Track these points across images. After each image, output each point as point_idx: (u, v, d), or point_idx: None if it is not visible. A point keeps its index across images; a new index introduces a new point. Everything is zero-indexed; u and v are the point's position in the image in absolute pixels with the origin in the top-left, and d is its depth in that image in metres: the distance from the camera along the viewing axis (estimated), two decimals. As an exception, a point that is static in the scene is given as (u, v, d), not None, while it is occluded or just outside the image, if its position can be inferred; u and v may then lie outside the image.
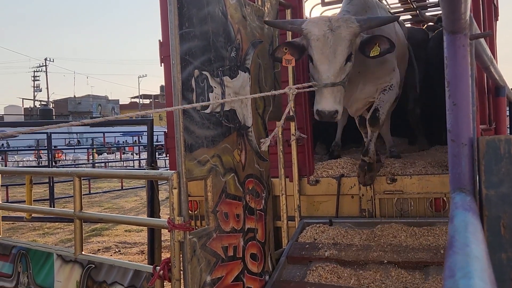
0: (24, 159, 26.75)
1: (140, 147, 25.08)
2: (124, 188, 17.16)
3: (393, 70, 4.10)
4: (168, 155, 5.30)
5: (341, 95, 3.28)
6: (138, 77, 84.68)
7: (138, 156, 24.63)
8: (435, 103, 5.14)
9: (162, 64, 5.04)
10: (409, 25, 7.58)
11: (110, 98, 71.23)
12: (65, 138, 35.80)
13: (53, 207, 11.15)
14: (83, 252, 3.49)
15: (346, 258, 3.74)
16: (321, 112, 3.21)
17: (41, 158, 24.32)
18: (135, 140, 37.18)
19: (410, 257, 3.65)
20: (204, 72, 3.08)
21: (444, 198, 4.15)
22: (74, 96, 66.78)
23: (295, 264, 3.92)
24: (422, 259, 3.60)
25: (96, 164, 23.31)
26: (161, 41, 5.04)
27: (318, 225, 4.28)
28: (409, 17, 7.93)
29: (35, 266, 3.71)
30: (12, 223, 10.33)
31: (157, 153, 17.55)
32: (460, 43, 1.22)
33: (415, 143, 6.01)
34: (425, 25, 7.30)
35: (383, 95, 4.00)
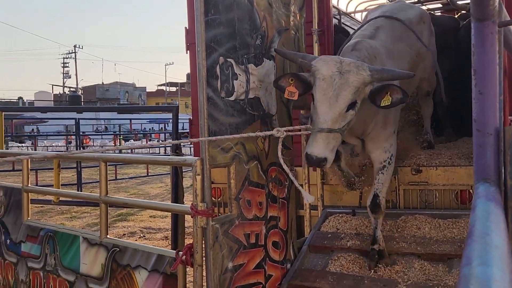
0: (53, 144, 27.32)
1: (166, 134, 25.36)
2: (149, 174, 17.39)
3: (393, 132, 3.82)
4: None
5: (336, 143, 3.02)
6: (165, 65, 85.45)
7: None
8: (465, 94, 5.03)
9: (188, 51, 5.06)
10: (439, 13, 7.41)
11: (137, 85, 71.93)
12: (93, 124, 36.41)
13: (80, 191, 11.37)
14: (108, 236, 3.56)
15: (369, 249, 3.72)
16: (309, 156, 2.92)
17: (70, 143, 24.77)
18: (161, 127, 37.53)
19: (434, 249, 3.61)
20: (229, 59, 3.08)
21: (470, 190, 4.08)
22: (102, 83, 67.69)
23: (317, 253, 3.92)
24: (446, 251, 3.56)
25: (122, 150, 23.63)
26: (187, 28, 5.06)
27: (341, 215, 4.27)
28: (440, 5, 7.75)
29: (62, 248, 3.80)
30: (41, 206, 10.59)
31: (182, 140, 17.67)
32: (488, 30, 1.18)
33: (442, 134, 5.91)
34: (459, 14, 7.12)
35: (381, 175, 3.72)
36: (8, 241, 4.36)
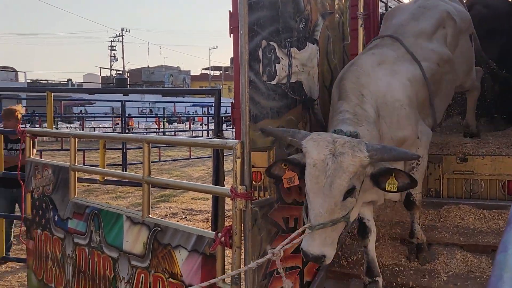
0: (100, 126, 28.06)
1: (209, 117, 25.59)
2: (192, 157, 17.65)
3: (416, 138, 3.42)
4: (234, 126, 5.37)
5: (337, 234, 2.64)
6: (209, 49, 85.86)
7: (206, 127, 25.19)
8: None
9: (231, 34, 5.06)
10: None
11: (181, 69, 72.72)
12: (138, 107, 37.14)
13: (125, 172, 11.65)
14: (150, 216, 3.64)
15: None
16: (305, 253, 2.60)
17: (117, 125, 25.40)
18: (204, 111, 37.88)
19: (477, 241, 3.53)
20: (271, 43, 3.07)
21: None
22: (148, 66, 68.77)
23: (357, 240, 3.90)
24: (490, 243, 3.47)
25: (166, 133, 24.05)
26: (231, 11, 5.05)
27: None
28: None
29: (106, 225, 3.92)
30: (88, 185, 10.94)
31: (224, 124, 17.82)
32: (542, 12, 1.13)
33: (491, 122, 5.72)
34: None
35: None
36: (56, 217, 4.53)
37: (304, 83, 3.42)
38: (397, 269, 3.46)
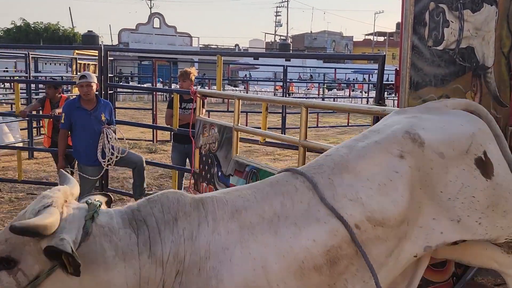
0: (263, 90, 29.19)
1: (370, 85, 25.01)
2: (349, 124, 17.49)
3: None
4: (396, 94, 5.18)
5: None
6: (374, 13, 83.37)
7: (366, 94, 24.66)
8: None
9: (399, -3, 4.83)
10: None
11: (344, 35, 71.60)
12: (299, 72, 37.69)
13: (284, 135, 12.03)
14: (305, 178, 3.73)
15: None
16: None
17: (277, 90, 26.19)
18: (365, 78, 37.03)
19: None
20: (441, 5, 2.87)
21: None
22: (311, 31, 69.02)
23: None
24: None
25: (325, 99, 24.13)
26: (400, -28, 4.80)
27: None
28: None
29: (264, 184, 4.12)
30: (249, 146, 11.55)
31: (386, 92, 17.24)
32: None
33: None
34: None
35: None
36: (219, 173, 4.90)
37: (476, 48, 3.14)
38: None
